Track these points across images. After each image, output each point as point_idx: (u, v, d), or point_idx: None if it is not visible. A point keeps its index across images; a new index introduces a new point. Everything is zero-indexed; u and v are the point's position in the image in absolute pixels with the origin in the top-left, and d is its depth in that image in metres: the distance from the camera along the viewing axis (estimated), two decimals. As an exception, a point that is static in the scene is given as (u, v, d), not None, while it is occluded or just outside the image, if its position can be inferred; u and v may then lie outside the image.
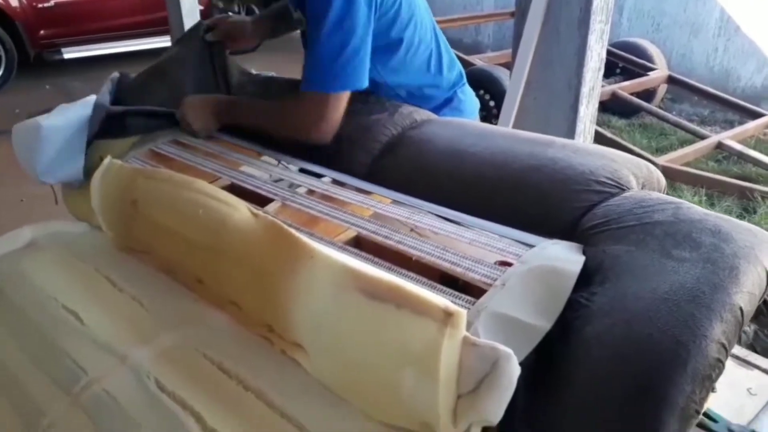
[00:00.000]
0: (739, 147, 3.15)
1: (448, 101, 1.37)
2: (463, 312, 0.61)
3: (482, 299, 0.69)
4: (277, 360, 0.80)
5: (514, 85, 1.97)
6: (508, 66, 2.63)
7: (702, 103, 4.34)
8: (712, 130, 3.92)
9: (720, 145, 3.16)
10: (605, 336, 0.61)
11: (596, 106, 2.01)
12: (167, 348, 0.82)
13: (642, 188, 0.89)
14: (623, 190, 0.85)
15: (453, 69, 1.38)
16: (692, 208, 0.75)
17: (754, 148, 3.37)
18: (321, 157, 1.12)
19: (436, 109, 1.33)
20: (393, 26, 1.23)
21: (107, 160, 1.12)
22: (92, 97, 1.33)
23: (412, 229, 0.91)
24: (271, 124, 1.22)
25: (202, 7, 3.69)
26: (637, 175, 0.89)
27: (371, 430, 0.68)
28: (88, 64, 5.24)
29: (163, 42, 5.05)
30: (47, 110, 1.26)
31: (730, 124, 4.17)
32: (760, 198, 2.78)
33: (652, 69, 4.04)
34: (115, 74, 1.40)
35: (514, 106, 1.97)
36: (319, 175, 1.07)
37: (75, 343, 0.84)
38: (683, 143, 3.57)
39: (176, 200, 0.96)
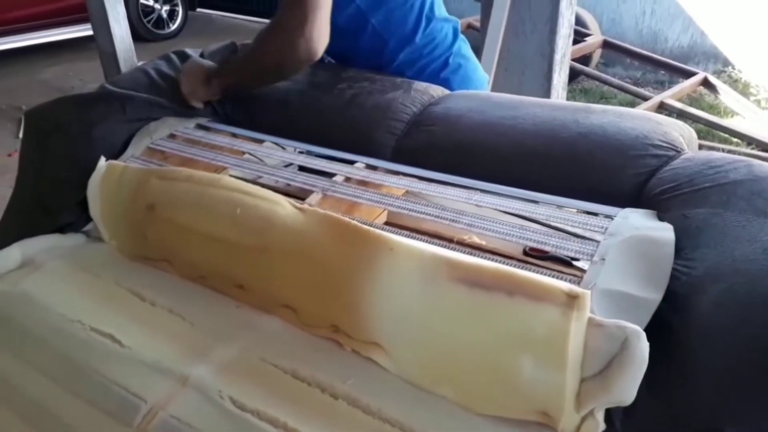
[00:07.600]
0: (680, 105, 3.30)
1: (446, 63, 1.29)
2: (588, 293, 0.58)
3: (587, 276, 0.66)
4: (353, 361, 0.74)
5: (488, 56, 1.95)
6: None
7: (633, 65, 4.51)
8: (646, 90, 4.08)
9: (662, 105, 3.29)
10: (727, 301, 0.60)
11: (567, 72, 2.03)
12: (229, 361, 0.75)
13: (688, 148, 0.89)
14: (679, 152, 0.84)
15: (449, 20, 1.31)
16: (763, 164, 0.75)
17: (690, 106, 3.54)
18: (340, 142, 1.06)
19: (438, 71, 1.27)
20: None
21: (101, 162, 1.02)
22: None
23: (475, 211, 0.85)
24: (255, 64, 1.13)
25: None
26: (683, 135, 0.89)
27: (481, 425, 0.65)
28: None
29: (83, 31, 4.69)
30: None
31: (662, 84, 4.37)
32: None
33: (588, 35, 4.14)
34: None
35: (490, 79, 1.95)
36: (349, 162, 1.01)
37: (119, 369, 0.75)
38: (624, 105, 3.70)
39: (204, 200, 0.87)
